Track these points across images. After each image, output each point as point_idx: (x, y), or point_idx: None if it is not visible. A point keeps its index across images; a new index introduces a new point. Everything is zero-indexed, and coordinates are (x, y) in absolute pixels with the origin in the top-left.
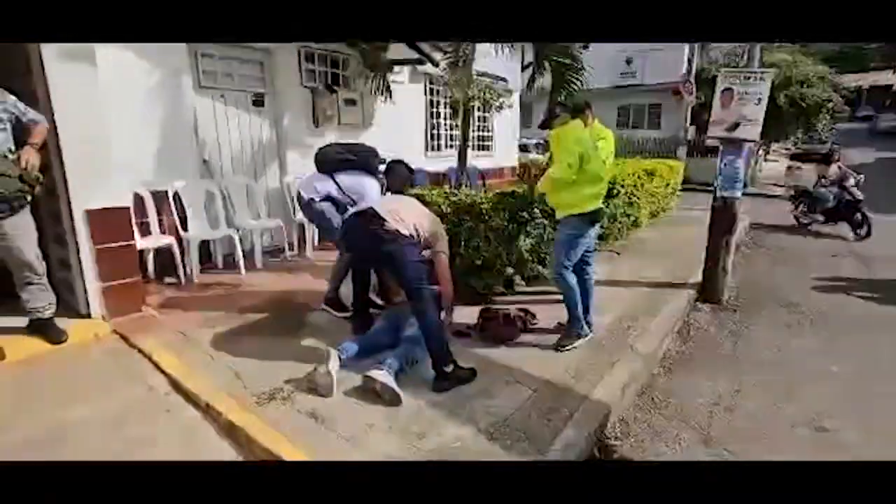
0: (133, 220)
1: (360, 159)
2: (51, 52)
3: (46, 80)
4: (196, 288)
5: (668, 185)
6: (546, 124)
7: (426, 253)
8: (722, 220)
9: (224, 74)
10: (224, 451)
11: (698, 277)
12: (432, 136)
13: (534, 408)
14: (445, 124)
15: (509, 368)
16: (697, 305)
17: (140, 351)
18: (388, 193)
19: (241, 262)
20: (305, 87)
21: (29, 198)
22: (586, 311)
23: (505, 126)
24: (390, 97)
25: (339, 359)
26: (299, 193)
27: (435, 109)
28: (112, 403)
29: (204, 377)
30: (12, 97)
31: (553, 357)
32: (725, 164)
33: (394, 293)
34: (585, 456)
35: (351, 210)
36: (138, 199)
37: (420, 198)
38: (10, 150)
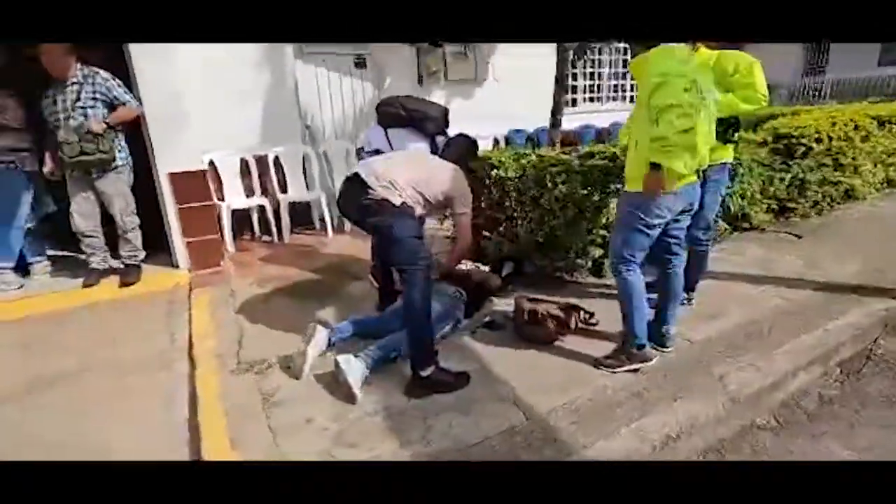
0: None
1: (412, 117)
2: None
3: (131, 60)
4: (281, 247)
5: None
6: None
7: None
8: None
9: None
10: (179, 414)
11: None
12: (566, 88)
13: (508, 441)
14: (585, 74)
15: (514, 382)
16: None
17: (189, 304)
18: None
19: (329, 225)
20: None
21: (118, 163)
22: (664, 321)
23: None
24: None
25: (329, 340)
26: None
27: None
28: (132, 350)
29: (215, 337)
30: (110, 81)
31: (588, 376)
32: None
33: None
34: None
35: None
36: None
37: (487, 160)
38: (95, 122)
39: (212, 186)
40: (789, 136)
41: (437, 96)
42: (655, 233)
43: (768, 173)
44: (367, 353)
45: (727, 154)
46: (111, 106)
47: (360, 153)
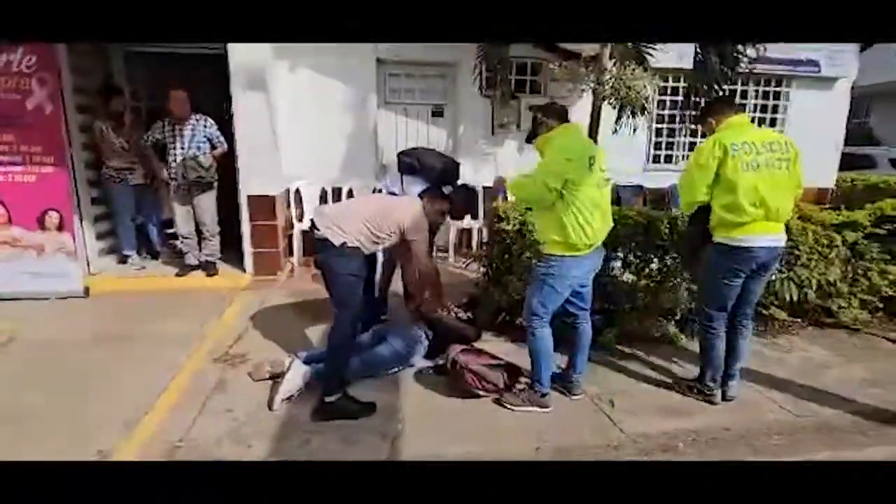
0: (286, 207)
1: (423, 168)
2: (238, 84)
3: (233, 107)
4: None
5: None
6: (532, 136)
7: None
8: None
9: (406, 90)
10: (161, 382)
11: None
12: (657, 144)
13: None
14: (682, 129)
15: (413, 423)
16: None
17: (230, 301)
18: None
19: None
20: (486, 96)
21: (214, 184)
22: (574, 368)
23: (811, 131)
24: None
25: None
26: None
27: (664, 112)
28: (170, 328)
29: (225, 329)
30: (214, 126)
31: (486, 435)
32: None
33: (412, 300)
34: None
35: None
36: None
37: (497, 212)
38: (203, 155)
39: (295, 210)
40: None
41: (508, 145)
42: (568, 292)
43: (862, 263)
44: (315, 368)
45: (731, 234)
46: (211, 143)
47: (376, 192)
